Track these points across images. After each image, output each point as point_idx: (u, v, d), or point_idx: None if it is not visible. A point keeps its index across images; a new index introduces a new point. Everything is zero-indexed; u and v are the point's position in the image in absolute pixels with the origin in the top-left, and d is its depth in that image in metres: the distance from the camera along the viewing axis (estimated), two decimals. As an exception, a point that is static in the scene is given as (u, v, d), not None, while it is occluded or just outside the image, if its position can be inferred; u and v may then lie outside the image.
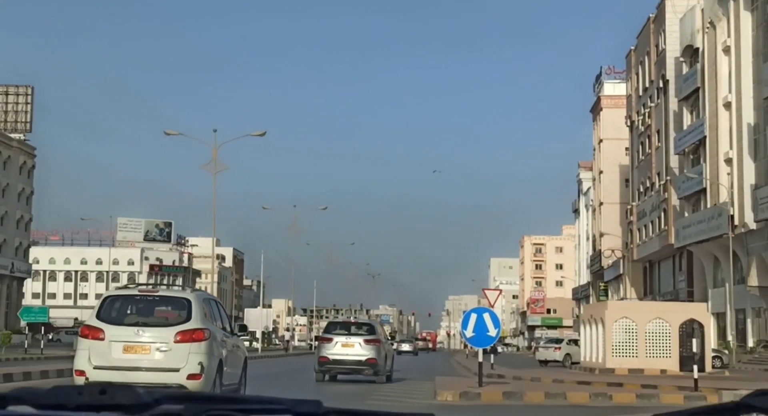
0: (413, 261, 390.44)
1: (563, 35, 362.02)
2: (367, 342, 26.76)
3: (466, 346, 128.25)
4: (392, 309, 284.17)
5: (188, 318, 14.40)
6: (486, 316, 20.73)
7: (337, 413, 1.96)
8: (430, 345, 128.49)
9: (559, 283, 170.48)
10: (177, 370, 14.06)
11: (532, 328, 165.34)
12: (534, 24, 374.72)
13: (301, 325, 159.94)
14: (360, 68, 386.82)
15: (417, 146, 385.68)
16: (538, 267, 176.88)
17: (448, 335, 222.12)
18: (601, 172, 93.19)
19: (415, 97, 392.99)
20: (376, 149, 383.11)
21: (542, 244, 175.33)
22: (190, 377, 14.05)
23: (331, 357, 26.75)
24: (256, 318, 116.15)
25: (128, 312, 14.87)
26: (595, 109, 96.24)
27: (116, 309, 14.80)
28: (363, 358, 26.46)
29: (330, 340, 27.03)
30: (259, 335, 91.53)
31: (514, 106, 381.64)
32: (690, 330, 33.72)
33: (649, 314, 35.44)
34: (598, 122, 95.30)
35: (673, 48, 62.91)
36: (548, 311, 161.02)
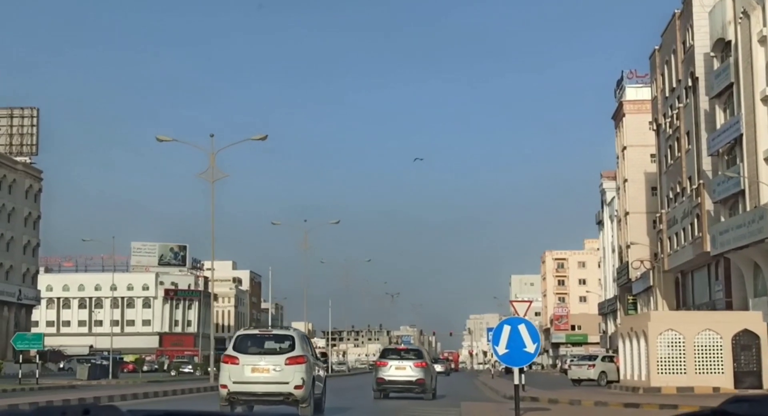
0: (432, 280, 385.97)
1: (578, 44, 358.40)
2: (416, 365, 31.83)
3: (489, 365, 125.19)
4: (412, 329, 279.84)
5: (292, 349, 20.62)
6: (522, 328, 17.19)
7: None
8: (452, 366, 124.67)
9: (582, 299, 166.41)
10: (287, 383, 20.10)
11: (556, 346, 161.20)
12: (544, 34, 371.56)
13: (320, 348, 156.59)
14: (383, 85, 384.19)
15: (433, 163, 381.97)
16: (561, 282, 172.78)
17: (471, 355, 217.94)
18: (625, 181, 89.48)
19: (432, 113, 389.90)
20: (390, 168, 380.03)
21: (564, 259, 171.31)
22: (296, 387, 20.11)
23: (386, 378, 31.71)
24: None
25: (253, 345, 20.95)
26: (618, 116, 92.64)
27: (245, 344, 20.99)
28: (413, 379, 31.45)
29: (385, 364, 32.08)
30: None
31: (531, 118, 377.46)
32: (745, 342, 30.05)
33: (697, 325, 31.79)
34: (620, 129, 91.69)
35: (702, 43, 59.37)
36: (572, 327, 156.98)
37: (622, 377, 35.71)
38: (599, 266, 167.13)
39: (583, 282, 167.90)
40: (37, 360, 46.34)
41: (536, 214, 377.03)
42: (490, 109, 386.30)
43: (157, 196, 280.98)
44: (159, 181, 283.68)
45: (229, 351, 20.88)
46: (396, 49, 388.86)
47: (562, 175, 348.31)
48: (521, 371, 21.10)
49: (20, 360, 46.33)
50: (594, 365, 44.68)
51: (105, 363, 61.49)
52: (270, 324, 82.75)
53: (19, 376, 44.52)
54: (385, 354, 33.45)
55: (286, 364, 20.16)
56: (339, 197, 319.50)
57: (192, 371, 77.12)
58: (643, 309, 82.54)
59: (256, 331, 22.18)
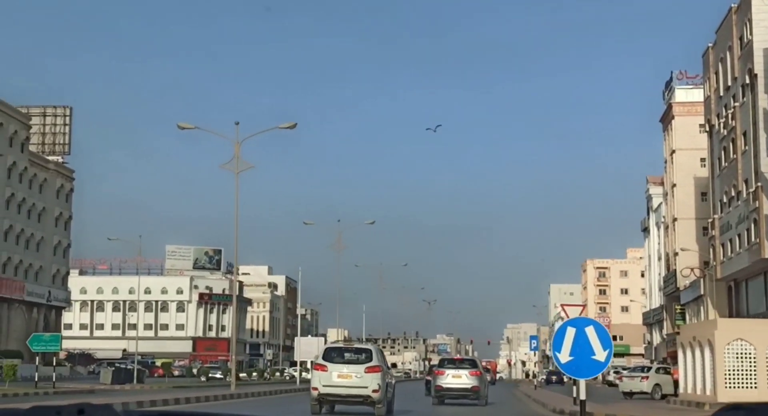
0: (468, 288, 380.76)
1: (623, 46, 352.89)
2: (471, 373, 34.83)
3: (528, 376, 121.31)
4: (449, 338, 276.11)
5: (370, 360, 24.64)
6: (590, 331, 14.26)
7: None
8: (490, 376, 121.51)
9: (624, 309, 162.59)
10: (366, 387, 24.15)
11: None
12: (585, 37, 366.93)
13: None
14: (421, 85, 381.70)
15: (469, 168, 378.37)
16: (602, 292, 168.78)
17: (509, 364, 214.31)
18: (674, 186, 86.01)
19: (465, 118, 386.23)
20: (421, 173, 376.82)
21: (606, 268, 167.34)
22: (373, 391, 24.17)
23: (444, 385, 34.77)
24: (307, 348, 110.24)
25: (338, 356, 24.96)
26: (666, 118, 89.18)
27: (331, 354, 25.05)
28: (469, 386, 34.41)
29: (443, 373, 35.11)
30: (309, 365, 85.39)
31: (574, 123, 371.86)
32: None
33: (770, 334, 28.62)
34: (669, 132, 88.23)
35: (761, 38, 56.07)
36: (614, 338, 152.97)
37: (681, 390, 32.61)
38: (642, 275, 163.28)
39: (625, 291, 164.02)
40: (54, 364, 43.61)
41: (577, 222, 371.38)
42: (533, 113, 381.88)
43: (190, 200, 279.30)
44: (190, 186, 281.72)
45: (319, 360, 25.21)
46: (409, 56, 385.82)
47: (604, 183, 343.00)
48: (559, 381, 23.64)
49: (51, 362, 43.85)
50: (648, 377, 41.51)
51: (131, 367, 59.18)
52: (299, 332, 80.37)
53: (36, 379, 42.12)
54: (443, 363, 36.99)
55: (365, 372, 24.44)
56: (368, 200, 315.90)
57: (222, 377, 74.71)
58: (692, 319, 78.95)
59: (341, 345, 27.78)
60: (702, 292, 73.03)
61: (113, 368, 55.88)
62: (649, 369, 43.83)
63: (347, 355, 24.98)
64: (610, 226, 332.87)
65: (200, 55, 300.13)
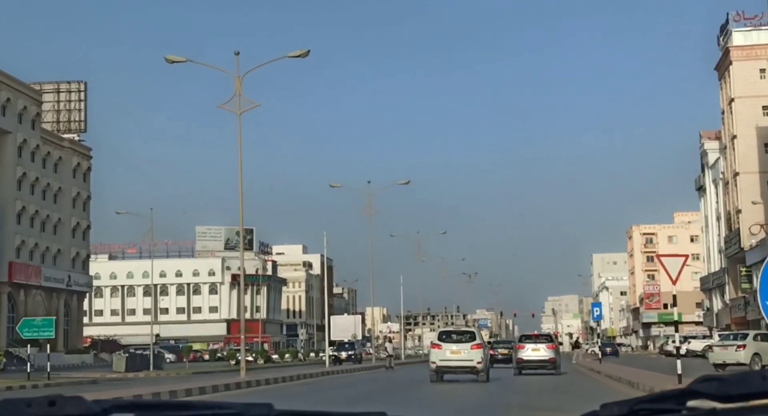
0: (508, 260, 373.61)
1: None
2: (548, 347, 38.94)
3: (576, 346, 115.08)
4: (489, 313, 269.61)
5: (473, 339, 31.88)
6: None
7: (288, 415, 2.01)
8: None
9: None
10: (472, 360, 30.85)
11: (647, 325, 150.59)
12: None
13: (394, 332, 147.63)
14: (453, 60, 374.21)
15: (509, 133, 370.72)
16: (650, 259, 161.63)
17: (556, 336, 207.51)
18: (734, 138, 79.19)
19: (506, 83, 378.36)
20: (458, 134, 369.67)
21: (653, 234, 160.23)
22: (478, 363, 30.86)
23: (525, 358, 38.41)
24: (343, 327, 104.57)
25: (449, 336, 32.31)
26: (722, 65, 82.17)
27: (444, 336, 32.38)
28: (546, 358, 38.21)
29: (523, 347, 38.97)
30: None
31: (606, 82, 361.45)
32: None
33: None
34: (726, 80, 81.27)
35: None
36: (665, 306, 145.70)
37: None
38: (692, 240, 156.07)
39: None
40: (48, 351, 38.06)
41: (617, 190, 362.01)
42: (571, 72, 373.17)
43: (219, 180, 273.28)
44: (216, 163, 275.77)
45: (435, 340, 31.97)
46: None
47: (644, 146, 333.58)
48: (604, 353, 36.20)
49: (49, 349, 38.22)
50: (744, 346, 35.28)
51: (147, 352, 53.83)
52: (326, 312, 75.09)
53: (28, 370, 36.63)
54: (522, 339, 41.03)
55: (471, 349, 30.69)
56: (399, 166, 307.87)
57: (253, 359, 69.22)
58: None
59: (452, 328, 34.76)
60: (774, 251, 66.33)
61: (126, 355, 50.56)
62: (745, 335, 37.54)
63: (455, 336, 32.13)
64: (655, 192, 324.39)
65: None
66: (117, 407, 1.88)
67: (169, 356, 77.38)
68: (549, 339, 41.07)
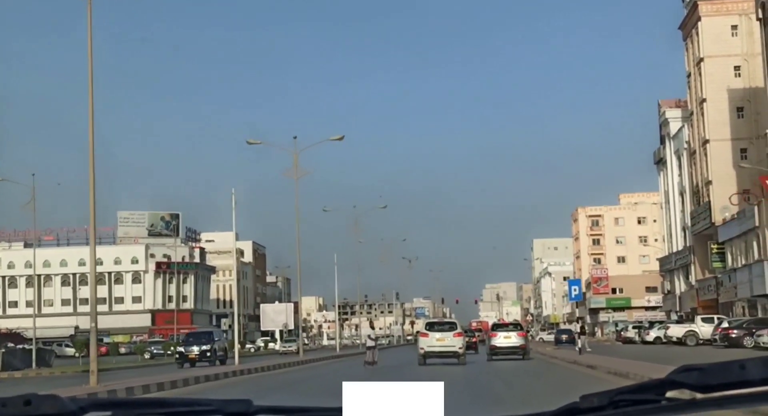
0: (446, 247, 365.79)
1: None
2: (519, 335, 43.18)
3: (582, 332, 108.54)
4: (426, 301, 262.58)
5: (455, 328, 38.28)
6: None
7: (268, 411, 2.00)
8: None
9: (621, 259, 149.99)
10: (454, 346, 36.88)
11: (594, 311, 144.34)
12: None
13: (329, 321, 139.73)
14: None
15: (445, 119, 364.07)
16: (596, 242, 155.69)
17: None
18: (703, 101, 72.30)
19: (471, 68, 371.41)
20: (406, 130, 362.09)
21: (599, 216, 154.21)
22: (459, 348, 36.91)
23: (498, 344, 42.39)
24: (273, 316, 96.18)
25: (434, 326, 39.05)
26: (689, 22, 75.22)
27: (430, 325, 39.22)
28: (517, 345, 42.06)
29: (496, 335, 43.36)
30: (277, 335, 70.89)
31: (571, 67, 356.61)
32: None
33: None
34: (693, 38, 74.34)
35: None
36: (613, 291, 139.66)
37: None
38: (639, 222, 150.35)
39: (619, 241, 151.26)
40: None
41: (563, 174, 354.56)
42: (538, 54, 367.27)
43: (142, 159, 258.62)
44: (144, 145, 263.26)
45: (422, 329, 39.23)
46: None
47: (598, 127, 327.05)
48: (570, 340, 49.74)
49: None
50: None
51: (29, 347, 44.86)
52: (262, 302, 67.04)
53: None
54: (495, 328, 44.92)
55: (453, 337, 37.38)
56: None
57: (163, 353, 60.20)
58: (737, 258, 65.44)
59: (436, 320, 47.49)
60: (757, 224, 59.35)
61: (2, 350, 41.68)
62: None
63: (439, 326, 38.97)
64: (601, 175, 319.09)
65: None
66: (94, 405, 1.89)
67: (70, 350, 67.91)
68: (519, 327, 45.23)
